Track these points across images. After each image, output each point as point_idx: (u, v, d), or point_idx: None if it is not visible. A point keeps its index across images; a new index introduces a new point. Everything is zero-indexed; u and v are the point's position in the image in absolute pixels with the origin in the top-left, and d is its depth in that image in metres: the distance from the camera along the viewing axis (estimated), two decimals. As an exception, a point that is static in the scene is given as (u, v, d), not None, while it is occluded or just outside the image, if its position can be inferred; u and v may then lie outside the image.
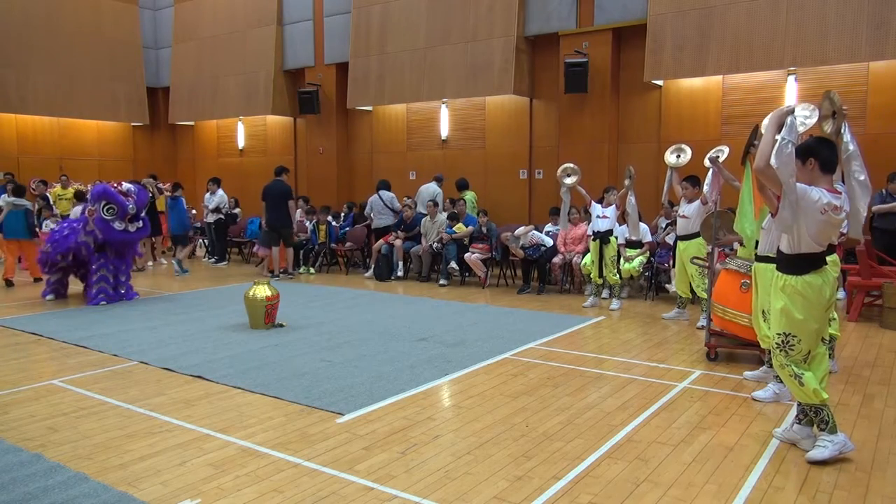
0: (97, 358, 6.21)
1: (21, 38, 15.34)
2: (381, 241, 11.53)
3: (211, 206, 13.43)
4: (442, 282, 10.62)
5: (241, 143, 17.00)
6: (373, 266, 11.49)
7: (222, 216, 13.51)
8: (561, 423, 4.45)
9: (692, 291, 7.71)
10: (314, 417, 4.56)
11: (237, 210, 15.07)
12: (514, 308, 8.67)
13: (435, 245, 10.91)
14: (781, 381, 4.71)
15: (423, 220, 11.22)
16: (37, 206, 12.23)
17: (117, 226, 8.83)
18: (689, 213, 7.46)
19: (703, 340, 6.37)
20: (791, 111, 3.85)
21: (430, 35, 12.90)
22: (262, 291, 7.30)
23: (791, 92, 10.11)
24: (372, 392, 5.07)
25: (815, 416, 3.96)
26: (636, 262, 9.23)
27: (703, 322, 7.35)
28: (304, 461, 3.83)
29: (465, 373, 5.64)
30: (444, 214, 11.07)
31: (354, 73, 13.97)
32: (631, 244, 9.30)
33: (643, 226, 9.30)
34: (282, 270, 11.60)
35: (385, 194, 12.04)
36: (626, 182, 8.35)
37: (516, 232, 9.84)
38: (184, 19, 17.19)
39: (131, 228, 8.97)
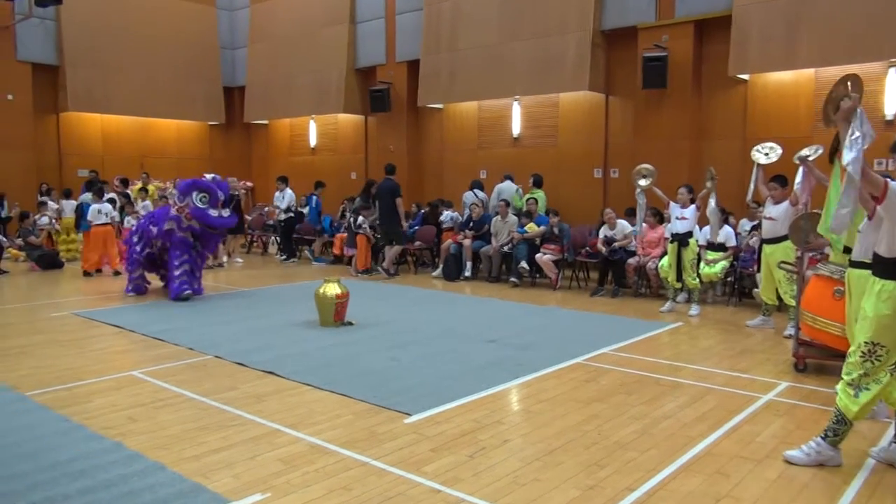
0: (174, 351, 6.49)
1: (106, 41, 16.17)
2: (449, 241, 11.58)
3: (283, 206, 13.82)
4: (512, 282, 10.57)
5: (312, 141, 17.41)
6: (441, 265, 11.55)
7: (292, 214, 13.89)
8: (635, 433, 4.36)
9: (779, 298, 7.40)
10: (382, 417, 4.62)
11: (307, 208, 15.45)
12: (586, 311, 8.56)
13: (505, 245, 10.88)
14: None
15: (494, 219, 11.20)
16: (119, 203, 12.88)
17: (212, 213, 9.09)
18: (776, 214, 7.17)
19: (791, 350, 6.12)
20: (857, 104, 3.66)
21: (502, 30, 12.86)
22: (332, 289, 7.45)
23: (893, 85, 9.56)
24: (440, 393, 5.10)
25: (833, 423, 3.81)
26: (718, 266, 8.93)
27: (790, 331, 7.05)
28: (371, 460, 3.89)
29: (536, 377, 5.60)
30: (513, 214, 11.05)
31: (425, 71, 14.07)
32: (713, 247, 9.01)
33: (727, 228, 9.01)
34: (364, 270, 11.69)
35: (479, 194, 12.10)
36: (708, 184, 8.10)
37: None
38: (259, 19, 17.76)
39: (224, 214, 9.26)
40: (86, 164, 16.23)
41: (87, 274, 11.54)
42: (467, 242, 11.31)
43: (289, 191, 14.03)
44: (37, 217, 13.38)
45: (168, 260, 9.32)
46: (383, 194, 11.47)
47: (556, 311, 8.63)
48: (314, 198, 14.48)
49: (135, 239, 9.57)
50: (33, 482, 3.55)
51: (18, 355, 6.30)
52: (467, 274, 11.31)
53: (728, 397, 5.10)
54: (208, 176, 9.58)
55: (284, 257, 14.05)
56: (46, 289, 10.40)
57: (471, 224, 11.49)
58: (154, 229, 9.24)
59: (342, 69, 15.68)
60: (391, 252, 11.61)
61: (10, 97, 14.96)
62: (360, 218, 11.85)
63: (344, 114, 16.09)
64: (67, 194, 14.05)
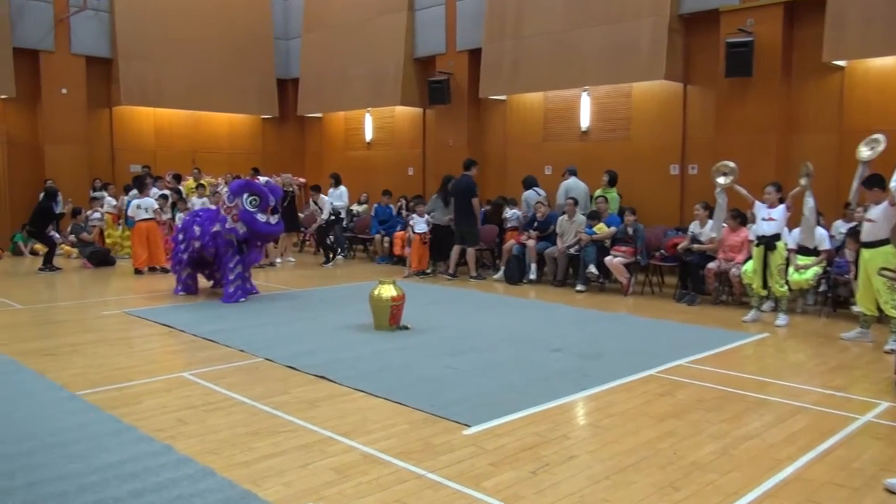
0: (224, 352, 6.67)
1: (159, 33, 16.74)
2: (512, 241, 11.54)
3: (340, 204, 14.03)
4: (579, 287, 10.47)
5: (368, 135, 17.63)
6: (503, 268, 11.52)
7: (333, 216, 14.03)
8: (714, 453, 4.24)
9: (879, 308, 7.09)
10: (439, 427, 4.63)
11: (359, 207, 15.64)
12: (660, 319, 8.40)
13: (572, 247, 10.77)
14: None
15: (560, 218, 11.11)
16: (171, 200, 13.32)
17: (261, 217, 9.24)
18: (876, 216, 6.87)
19: (892, 367, 5.85)
20: None
21: (570, 16, 12.75)
22: (388, 291, 7.52)
23: None
24: (501, 403, 5.08)
25: None
26: (810, 272, 8.62)
27: (892, 345, 6.75)
28: (427, 473, 3.91)
29: (605, 389, 5.53)
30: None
31: (487, 60, 14.07)
32: (804, 251, 8.70)
33: (821, 231, 8.69)
34: (419, 271, 11.76)
35: (541, 192, 12.08)
36: (803, 181, 7.83)
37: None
38: (314, 8, 18.08)
39: (272, 221, 9.41)
40: (138, 160, 16.87)
41: (138, 272, 11.98)
42: (531, 243, 11.25)
43: (342, 188, 14.25)
44: (89, 213, 13.97)
45: (221, 263, 9.50)
46: (458, 192, 11.50)
47: (628, 318, 8.51)
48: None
49: (179, 237, 9.84)
50: (84, 484, 3.70)
51: (70, 354, 6.58)
52: (531, 277, 11.24)
53: (820, 417, 4.91)
54: (262, 179, 9.79)
55: (342, 256, 14.22)
56: (98, 286, 10.84)
57: (535, 224, 11.42)
58: (197, 230, 9.44)
59: (399, 59, 15.83)
60: (468, 255, 11.63)
61: (64, 91, 15.66)
62: (415, 216, 11.94)
63: (401, 106, 16.23)
64: (128, 189, 14.61)
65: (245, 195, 9.23)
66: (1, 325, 7.88)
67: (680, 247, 9.79)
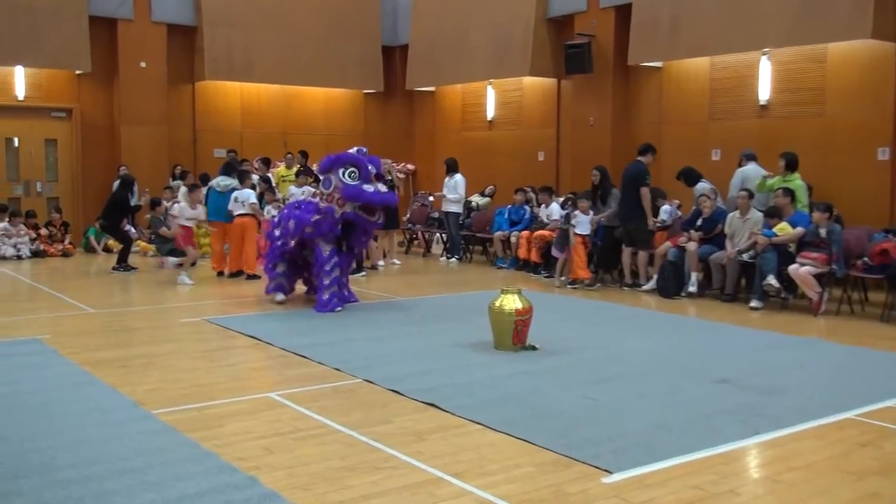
0: (318, 371, 6.90)
1: (248, -5, 17.59)
2: (667, 244, 11.30)
3: (455, 196, 14.18)
4: (754, 303, 10.16)
5: (490, 112, 17.76)
6: (656, 276, 11.29)
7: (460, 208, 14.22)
8: (937, 523, 3.99)
9: None
10: (573, 472, 4.60)
11: (481, 199, 15.73)
12: (862, 347, 8.04)
13: (745, 252, 10.43)
14: None
15: (730, 216, 10.80)
16: (258, 190, 13.82)
17: (367, 188, 9.28)
18: None
19: None
20: None
21: (748, -40, 12.39)
22: (512, 303, 7.52)
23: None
24: (651, 446, 5.00)
25: None
26: None
27: None
28: (558, 528, 3.88)
29: (786, 434, 5.33)
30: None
31: (639, 18, 13.89)
32: None
33: None
34: (575, 281, 11.65)
35: (705, 186, 11.79)
36: None
37: None
38: (427, -39, 18.41)
39: (382, 189, 9.49)
40: (223, 143, 17.73)
41: (220, 274, 12.54)
42: (693, 246, 10.96)
43: (458, 176, 14.39)
44: (169, 204, 14.68)
45: (313, 264, 9.74)
46: (626, 180, 11.51)
47: (819, 343, 8.21)
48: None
49: (276, 233, 10.05)
50: (159, 516, 3.92)
51: (145, 366, 7.00)
52: (691, 289, 10.97)
53: None
54: (353, 149, 9.89)
55: (450, 256, 14.39)
56: (176, 289, 11.48)
57: (698, 222, 11.12)
58: (293, 225, 9.56)
59: (529, 20, 15.84)
60: (638, 259, 11.53)
61: (143, 64, 16.65)
62: (579, 213, 11.71)
63: (531, 77, 16.25)
64: (204, 179, 15.33)
65: (340, 170, 9.34)
66: (72, 332, 8.50)
67: None
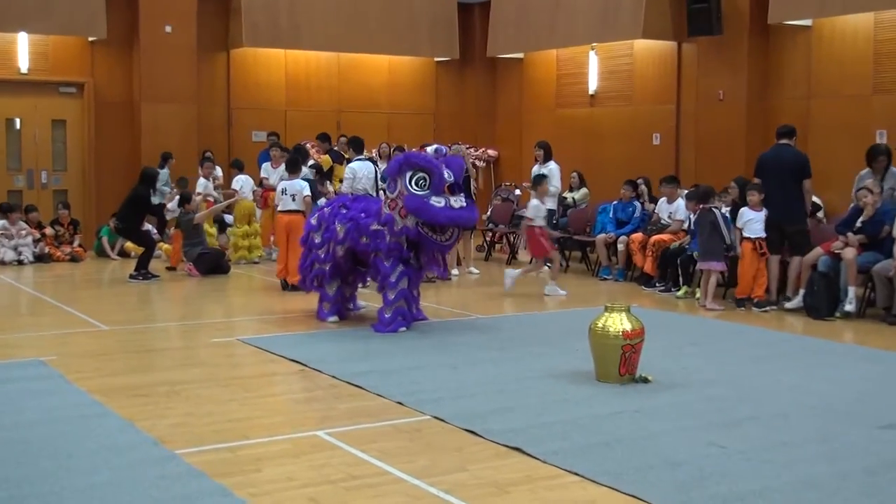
0: (376, 405, 6.87)
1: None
2: (818, 250, 11.03)
3: (552, 188, 14.11)
4: (930, 327, 9.86)
5: (592, 85, 17.65)
6: (802, 292, 11.03)
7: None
8: None
9: None
10: (698, 539, 4.50)
11: (576, 193, 15.62)
12: None
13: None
14: None
15: (899, 215, 10.52)
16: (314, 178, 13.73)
17: (435, 202, 9.04)
18: None
19: None
20: None
21: None
22: (618, 323, 7.41)
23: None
24: (799, 509, 4.88)
25: None
26: None
27: None
28: None
29: (974, 496, 5.11)
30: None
31: (783, -36, 13.67)
32: None
33: None
34: (743, 299, 11.43)
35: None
36: None
37: None
38: None
39: (455, 204, 9.17)
40: (263, 124, 17.85)
41: (285, 287, 12.19)
42: (851, 254, 10.69)
43: (552, 164, 14.28)
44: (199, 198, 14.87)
45: (378, 276, 9.47)
46: (782, 170, 11.32)
47: None
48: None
49: (316, 239, 9.85)
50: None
51: (168, 396, 7.08)
52: (849, 308, 10.69)
53: None
54: (430, 149, 9.79)
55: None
56: (206, 302, 11.67)
57: (858, 223, 10.84)
58: (340, 228, 9.44)
59: (643, -31, 15.71)
60: (790, 266, 11.31)
61: (168, 29, 16.85)
62: (747, 210, 11.31)
63: (644, 40, 16.16)
64: (239, 166, 15.46)
65: (407, 174, 9.20)
66: (81, 352, 8.65)
67: None
